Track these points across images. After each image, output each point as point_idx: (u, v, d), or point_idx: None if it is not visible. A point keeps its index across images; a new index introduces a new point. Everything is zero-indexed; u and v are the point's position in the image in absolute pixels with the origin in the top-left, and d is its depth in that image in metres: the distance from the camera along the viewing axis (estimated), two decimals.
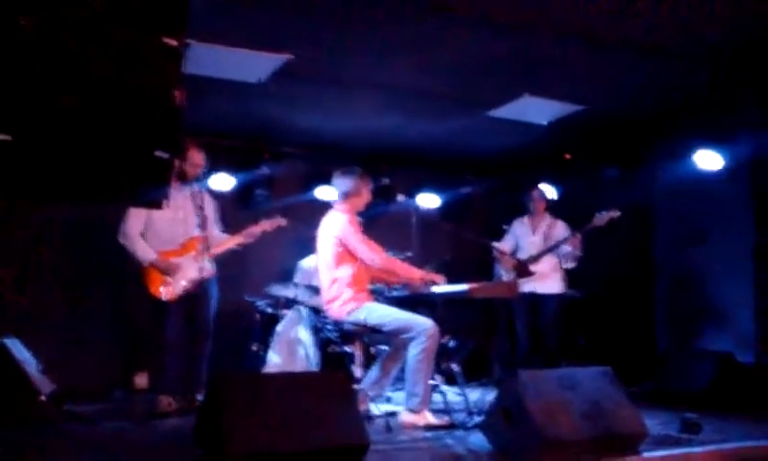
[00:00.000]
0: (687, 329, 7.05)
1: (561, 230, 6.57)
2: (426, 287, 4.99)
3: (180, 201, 5.34)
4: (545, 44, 5.06)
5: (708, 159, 6.48)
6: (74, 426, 4.66)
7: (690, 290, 7.07)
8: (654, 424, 4.49)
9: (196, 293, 5.26)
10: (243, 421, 3.24)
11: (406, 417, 4.69)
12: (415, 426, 4.59)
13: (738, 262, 6.59)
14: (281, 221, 5.76)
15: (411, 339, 4.70)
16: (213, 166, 7.07)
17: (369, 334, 5.04)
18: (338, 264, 4.95)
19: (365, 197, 5.16)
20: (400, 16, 4.63)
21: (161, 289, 5.23)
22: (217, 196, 5.85)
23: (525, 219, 6.81)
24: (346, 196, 5.12)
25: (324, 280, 5.09)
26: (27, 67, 3.02)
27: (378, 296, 5.31)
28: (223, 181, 7.23)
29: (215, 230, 5.60)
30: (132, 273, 5.44)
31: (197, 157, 5.38)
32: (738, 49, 5.10)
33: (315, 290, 6.43)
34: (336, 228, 5.00)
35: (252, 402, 3.33)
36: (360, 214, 5.24)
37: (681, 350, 6.86)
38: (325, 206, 7.66)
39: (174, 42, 3.20)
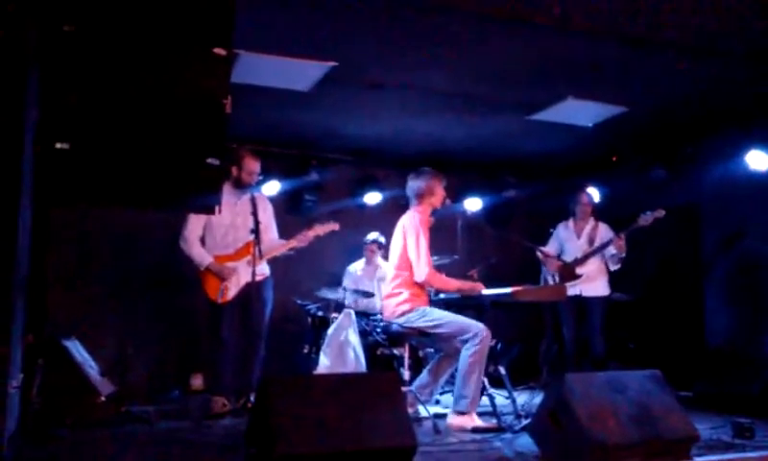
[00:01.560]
0: (738, 331, 6.91)
1: (604, 232, 6.54)
2: (472, 291, 5.04)
3: (238, 207, 5.49)
4: (589, 47, 5.05)
5: (758, 159, 6.36)
6: (132, 427, 4.81)
7: (741, 291, 6.94)
8: (705, 428, 4.43)
9: (250, 296, 5.37)
10: (292, 422, 3.30)
11: (454, 419, 4.73)
12: (463, 429, 4.62)
13: None
14: (335, 225, 5.84)
15: (464, 342, 4.76)
16: (262, 173, 7.23)
17: (417, 337, 5.10)
18: (403, 262, 5.05)
19: (439, 194, 5.22)
20: (443, 21, 4.68)
21: (218, 293, 5.37)
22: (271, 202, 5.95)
23: (570, 223, 6.78)
24: (420, 197, 5.20)
25: (388, 275, 5.22)
26: (83, 78, 3.15)
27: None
28: (272, 188, 7.36)
29: (271, 235, 5.70)
30: (189, 276, 5.59)
31: (252, 165, 5.50)
32: None
33: (363, 294, 6.53)
34: (406, 225, 5.10)
35: (300, 404, 3.39)
36: None
37: (732, 352, 6.73)
38: (373, 211, 7.85)
39: (222, 52, 3.30)
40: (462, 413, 4.71)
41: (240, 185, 5.48)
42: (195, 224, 5.43)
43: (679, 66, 5.35)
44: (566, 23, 4.61)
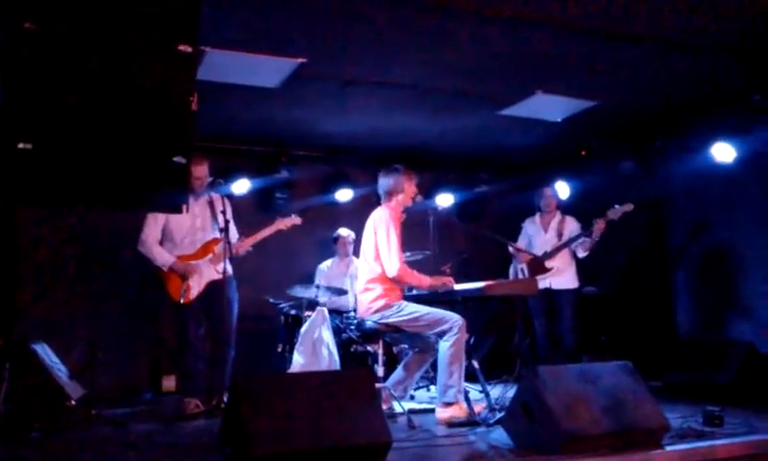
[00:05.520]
0: (708, 321, 7.02)
1: (571, 225, 6.59)
2: (444, 287, 5.05)
3: (196, 210, 5.47)
4: (557, 41, 5.08)
5: (724, 151, 6.45)
6: (104, 430, 4.74)
7: (710, 282, 7.05)
8: (676, 417, 4.47)
9: (215, 295, 5.34)
10: (265, 421, 3.28)
11: (443, 411, 4.71)
12: (453, 418, 4.62)
13: (757, 252, 6.56)
14: (296, 220, 5.81)
15: (443, 332, 4.77)
16: (232, 171, 7.20)
17: (391, 334, 5.10)
18: (375, 257, 5.04)
19: (409, 192, 5.21)
20: (411, 16, 4.68)
21: (180, 293, 5.32)
22: (237, 200, 5.91)
23: (536, 218, 6.84)
24: (389, 194, 5.20)
25: (361, 272, 5.22)
26: (46, 77, 3.10)
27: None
28: (242, 186, 7.32)
29: (231, 235, 5.67)
30: (155, 278, 5.53)
31: (196, 171, 5.33)
32: (750, 41, 5.09)
33: (336, 291, 6.52)
34: (377, 221, 5.09)
35: (273, 402, 3.37)
36: None
37: (702, 342, 6.83)
38: (344, 208, 7.84)
39: (188, 49, 3.26)
40: (450, 404, 4.70)
41: (192, 190, 5.41)
42: (152, 227, 5.39)
43: (650, 61, 5.41)
44: (535, 17, 4.64)
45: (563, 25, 4.80)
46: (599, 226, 6.17)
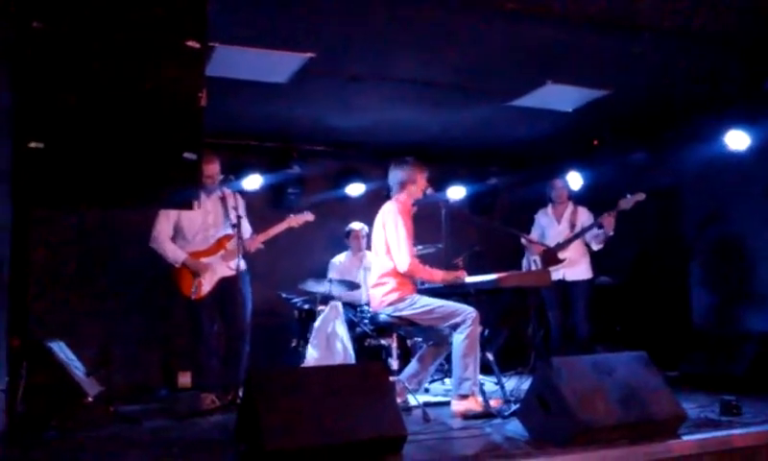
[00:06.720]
0: (723, 311, 6.97)
1: (584, 215, 6.55)
2: (456, 280, 5.04)
3: (208, 206, 5.47)
4: (567, 31, 5.03)
5: (738, 139, 6.39)
6: (121, 427, 4.77)
7: (724, 272, 6.99)
8: (692, 407, 4.46)
9: (228, 291, 5.34)
10: (280, 415, 3.29)
11: (459, 404, 4.71)
12: (469, 411, 4.62)
13: None
14: (309, 216, 5.81)
15: (457, 325, 4.76)
16: (243, 167, 7.20)
17: (404, 327, 5.10)
18: (386, 252, 5.04)
19: (420, 184, 5.21)
20: (418, 11, 4.66)
21: (192, 289, 5.34)
22: (249, 196, 5.92)
23: (549, 209, 6.80)
24: (401, 186, 5.20)
25: (373, 266, 5.23)
26: (54, 76, 3.11)
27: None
28: (254, 182, 7.33)
29: (244, 230, 5.68)
30: (167, 275, 5.55)
31: (208, 169, 5.33)
32: (762, 30, 5.04)
33: (349, 285, 6.52)
34: (386, 215, 5.09)
35: (288, 397, 3.38)
36: None
37: (717, 333, 6.79)
38: (356, 203, 7.84)
39: (196, 45, 3.27)
40: (465, 396, 4.70)
41: (204, 187, 5.41)
42: (164, 223, 5.40)
43: (660, 50, 5.36)
44: (543, 8, 4.62)
45: (571, 16, 4.76)
46: (608, 220, 6.13)
